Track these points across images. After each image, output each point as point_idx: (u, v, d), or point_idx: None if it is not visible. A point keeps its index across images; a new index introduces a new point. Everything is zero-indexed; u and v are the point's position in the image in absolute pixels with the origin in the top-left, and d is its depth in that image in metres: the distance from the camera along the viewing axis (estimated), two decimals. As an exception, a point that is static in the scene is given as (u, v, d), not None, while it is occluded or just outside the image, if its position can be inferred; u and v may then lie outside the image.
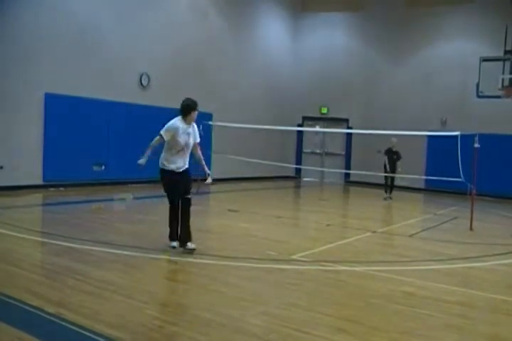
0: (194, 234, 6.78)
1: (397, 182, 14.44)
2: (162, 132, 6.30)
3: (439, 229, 9.47)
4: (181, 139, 6.29)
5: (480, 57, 13.55)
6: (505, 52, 13.34)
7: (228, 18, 17.21)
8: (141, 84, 14.27)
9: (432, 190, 16.90)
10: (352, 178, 18.79)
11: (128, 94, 13.79)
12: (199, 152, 6.74)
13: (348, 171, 18.38)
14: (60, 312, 3.99)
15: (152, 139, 6.52)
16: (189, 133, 6.41)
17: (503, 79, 13.01)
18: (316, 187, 18.47)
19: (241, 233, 7.88)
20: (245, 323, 3.99)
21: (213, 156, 14.97)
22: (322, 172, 19.51)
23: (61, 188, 12.27)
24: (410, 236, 8.43)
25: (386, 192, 14.01)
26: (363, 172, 14.85)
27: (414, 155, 17.27)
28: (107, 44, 13.23)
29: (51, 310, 4.03)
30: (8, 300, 4.25)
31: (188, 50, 15.51)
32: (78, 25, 12.55)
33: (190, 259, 6.12)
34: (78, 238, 6.70)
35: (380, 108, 18.72)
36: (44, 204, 10.67)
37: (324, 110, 19.88)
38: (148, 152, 6.44)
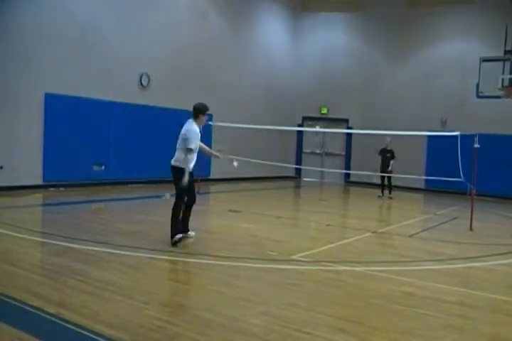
0: (194, 233, 6.98)
1: (393, 182, 14.43)
2: (191, 146, 6.60)
3: (439, 229, 9.47)
4: (198, 142, 6.78)
5: (480, 57, 13.54)
6: (505, 52, 13.33)
7: (228, 18, 17.21)
8: (141, 84, 14.26)
9: (432, 190, 16.91)
10: (352, 178, 18.81)
11: (128, 94, 13.79)
12: (204, 146, 7.22)
13: (348, 171, 18.39)
14: (60, 312, 3.99)
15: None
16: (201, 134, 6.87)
17: (503, 79, 13.00)
18: (316, 187, 18.46)
19: (241, 233, 7.88)
20: (245, 323, 3.99)
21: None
22: (322, 172, 19.51)
23: (61, 188, 12.27)
24: (410, 236, 8.43)
25: (382, 191, 14.11)
26: (363, 173, 14.87)
27: (414, 155, 17.29)
28: (107, 44, 13.23)
29: (51, 310, 4.03)
30: (8, 300, 4.25)
31: (188, 50, 15.51)
32: (78, 25, 12.55)
33: (190, 259, 6.12)
34: (78, 238, 6.70)
35: (380, 108, 18.72)
36: (44, 204, 10.66)
37: (324, 110, 19.89)
38: (189, 169, 6.63)
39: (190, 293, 4.88)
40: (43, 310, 4.01)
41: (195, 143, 6.65)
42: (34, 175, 11.90)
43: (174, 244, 6.56)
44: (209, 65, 16.32)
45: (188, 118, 6.85)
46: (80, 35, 12.61)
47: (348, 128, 19.13)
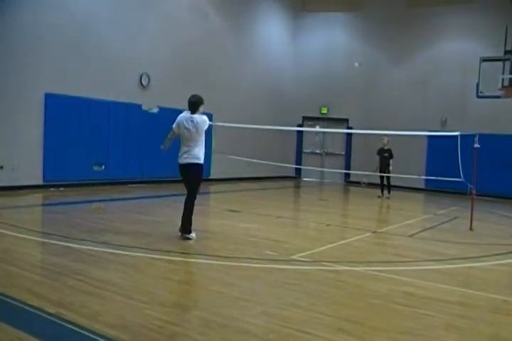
0: (195, 233, 6.93)
1: (393, 182, 14.42)
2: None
3: (439, 229, 9.46)
4: None
5: (480, 57, 13.55)
6: (505, 52, 13.34)
7: (228, 18, 17.21)
8: (141, 84, 14.27)
9: (432, 190, 16.91)
10: (352, 178, 18.80)
11: (128, 94, 13.79)
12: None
13: (348, 171, 18.39)
14: (60, 312, 3.98)
15: (166, 136, 7.19)
16: None
17: (503, 79, 13.01)
18: (316, 187, 18.47)
19: (241, 233, 7.88)
20: (245, 323, 3.99)
21: (213, 156, 14.99)
22: (322, 172, 19.51)
23: (61, 188, 12.27)
24: (410, 236, 8.43)
25: (382, 191, 14.11)
26: (363, 173, 14.85)
27: (414, 155, 17.29)
28: (106, 44, 13.23)
29: (51, 310, 4.02)
30: (8, 300, 4.24)
31: (188, 49, 15.52)
32: (78, 25, 12.55)
33: (190, 259, 6.12)
34: (78, 238, 6.70)
35: (380, 108, 18.72)
36: (44, 204, 10.66)
37: (324, 110, 19.89)
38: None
39: (190, 293, 4.88)
40: (43, 310, 4.01)
41: None
42: (34, 175, 11.90)
43: (188, 238, 6.78)
44: (209, 65, 16.32)
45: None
46: (80, 35, 12.61)
47: (348, 128, 19.13)
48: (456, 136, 9.81)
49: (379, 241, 8.02)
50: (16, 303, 4.17)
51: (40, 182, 12.06)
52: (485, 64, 13.35)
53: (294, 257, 6.31)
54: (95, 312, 4.04)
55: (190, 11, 15.75)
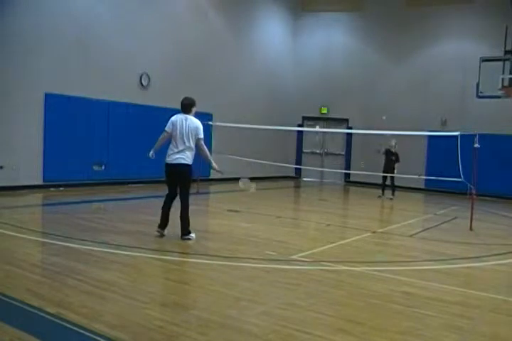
0: (195, 234, 6.94)
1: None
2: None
3: (439, 229, 9.46)
4: None
5: (480, 57, 13.55)
6: (505, 52, 13.35)
7: (228, 18, 17.21)
8: (141, 84, 14.27)
9: (432, 190, 16.91)
10: (352, 178, 18.81)
11: (128, 94, 13.79)
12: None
13: (348, 171, 18.39)
14: (60, 312, 3.98)
15: (158, 138, 7.17)
16: None
17: (503, 79, 13.01)
18: (316, 187, 18.47)
19: (241, 233, 7.88)
20: (245, 323, 3.99)
21: (213, 156, 14.94)
22: (322, 172, 19.51)
23: (61, 188, 12.27)
24: (410, 236, 8.43)
25: (383, 191, 14.08)
26: (363, 173, 14.86)
27: (414, 155, 17.28)
28: (107, 44, 13.22)
29: (51, 310, 4.02)
30: (8, 300, 4.24)
31: (189, 49, 15.51)
32: (78, 25, 12.55)
33: (190, 259, 6.12)
34: (78, 238, 6.70)
35: (380, 108, 18.70)
36: (44, 204, 10.66)
37: (324, 110, 19.88)
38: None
39: (190, 293, 4.88)
40: (43, 310, 4.01)
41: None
42: (34, 175, 11.90)
43: (187, 239, 6.88)
44: (209, 65, 16.32)
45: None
46: (80, 35, 12.61)
47: (348, 128, 19.13)
48: (456, 136, 9.82)
49: (379, 241, 8.02)
50: (16, 303, 4.17)
51: (40, 182, 12.06)
52: (485, 64, 13.35)
53: (294, 257, 6.31)
54: (95, 312, 4.04)
55: (190, 11, 15.75)
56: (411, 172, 13.93)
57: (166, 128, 7.00)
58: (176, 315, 4.17)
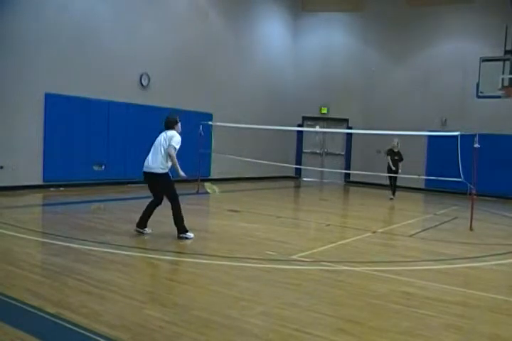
0: (194, 234, 6.97)
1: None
2: (177, 146, 7.06)
3: (439, 229, 9.46)
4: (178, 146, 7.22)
5: (480, 57, 13.55)
6: (505, 52, 13.34)
7: (228, 18, 17.20)
8: (141, 84, 14.26)
9: (432, 190, 16.91)
10: (352, 178, 18.81)
11: (128, 94, 13.79)
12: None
13: (348, 171, 18.39)
14: (60, 312, 3.99)
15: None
16: None
17: (503, 79, 13.01)
18: (316, 187, 18.46)
19: (241, 233, 7.87)
20: (245, 323, 3.99)
21: (213, 156, 14.99)
22: (322, 172, 19.51)
23: (61, 188, 12.27)
24: (410, 236, 8.43)
25: (393, 193, 13.99)
26: (363, 173, 14.86)
27: (414, 155, 17.27)
28: (106, 44, 13.22)
29: (51, 310, 4.02)
30: (8, 300, 4.24)
31: (188, 49, 15.51)
32: (78, 25, 12.54)
33: (190, 259, 6.12)
34: (78, 238, 6.70)
35: (380, 108, 18.71)
36: (44, 204, 10.66)
37: (324, 110, 19.88)
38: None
39: (190, 293, 4.88)
40: (42, 310, 4.01)
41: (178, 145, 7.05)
42: (34, 175, 11.90)
43: (182, 238, 6.92)
44: (209, 65, 16.32)
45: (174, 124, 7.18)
46: (79, 35, 12.60)
47: (348, 128, 19.13)
48: (456, 136, 9.82)
49: (379, 241, 8.02)
50: (16, 303, 4.17)
51: (40, 182, 12.05)
52: (485, 64, 13.35)
53: (294, 257, 6.31)
54: (95, 312, 4.04)
55: (190, 11, 15.75)
56: (411, 172, 13.94)
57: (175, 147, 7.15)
58: (176, 315, 4.16)
